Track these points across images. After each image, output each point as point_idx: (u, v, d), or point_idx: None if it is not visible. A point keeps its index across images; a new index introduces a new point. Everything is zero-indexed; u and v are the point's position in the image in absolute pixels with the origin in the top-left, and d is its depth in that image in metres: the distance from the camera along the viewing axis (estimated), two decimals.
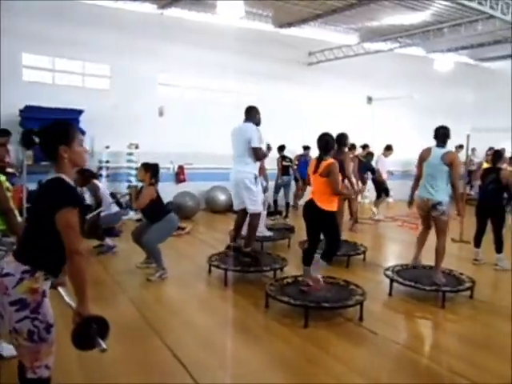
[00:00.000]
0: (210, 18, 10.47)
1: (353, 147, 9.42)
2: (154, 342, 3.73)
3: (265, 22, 11.33)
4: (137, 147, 9.65)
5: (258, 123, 5.47)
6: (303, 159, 10.69)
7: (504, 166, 6.78)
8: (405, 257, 6.32)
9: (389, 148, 10.64)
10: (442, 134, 5.06)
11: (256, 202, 5.44)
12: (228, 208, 9.49)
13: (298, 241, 6.62)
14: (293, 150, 11.00)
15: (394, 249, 8.01)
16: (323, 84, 12.31)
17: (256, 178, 5.40)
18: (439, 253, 5.07)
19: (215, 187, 10.28)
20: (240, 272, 5.41)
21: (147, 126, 9.75)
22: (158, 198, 5.47)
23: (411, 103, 13.34)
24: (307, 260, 4.66)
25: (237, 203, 5.63)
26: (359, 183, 8.87)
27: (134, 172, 9.27)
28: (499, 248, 6.29)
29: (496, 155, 6.59)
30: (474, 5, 7.94)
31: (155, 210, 5.42)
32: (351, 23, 11.27)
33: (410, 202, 5.40)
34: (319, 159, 4.47)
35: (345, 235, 6.71)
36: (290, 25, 11.40)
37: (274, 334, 4.03)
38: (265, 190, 7.15)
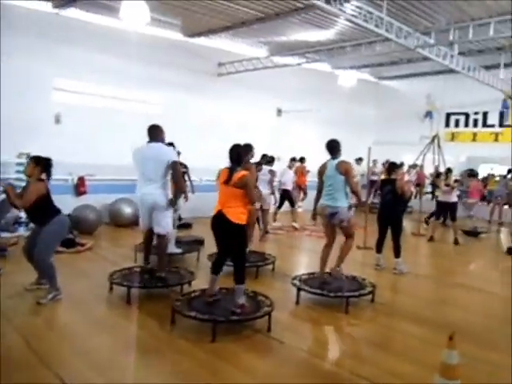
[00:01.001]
0: (115, 22, 10.02)
1: (272, 159, 9.64)
2: (42, 375, 3.31)
3: (173, 30, 11.15)
4: (28, 157, 8.75)
5: (162, 141, 5.27)
6: None
7: (399, 176, 7.24)
8: (313, 265, 6.48)
9: (294, 160, 10.97)
10: (333, 147, 5.36)
11: (167, 224, 5.23)
12: (134, 221, 9.04)
13: (207, 253, 6.46)
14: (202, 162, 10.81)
15: (302, 258, 8.19)
16: (233, 95, 12.40)
17: (167, 198, 5.15)
18: (343, 251, 5.39)
19: (120, 200, 9.69)
20: (145, 288, 5.13)
21: (41, 133, 8.85)
22: (47, 196, 4.81)
23: (318, 116, 13.97)
24: (215, 269, 4.55)
25: (145, 224, 5.29)
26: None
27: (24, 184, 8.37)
28: (397, 253, 6.71)
29: (391, 167, 7.04)
30: (371, 27, 8.47)
31: (42, 210, 4.77)
32: (261, 36, 11.53)
33: (314, 214, 5.60)
34: (231, 170, 4.36)
35: (255, 246, 6.69)
36: (199, 34, 11.35)
37: (178, 351, 3.84)
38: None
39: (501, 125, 15.15)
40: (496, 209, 12.92)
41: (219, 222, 4.34)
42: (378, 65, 14.77)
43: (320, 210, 5.41)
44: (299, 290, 5.11)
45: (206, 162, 9.51)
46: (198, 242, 7.51)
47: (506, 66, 12.74)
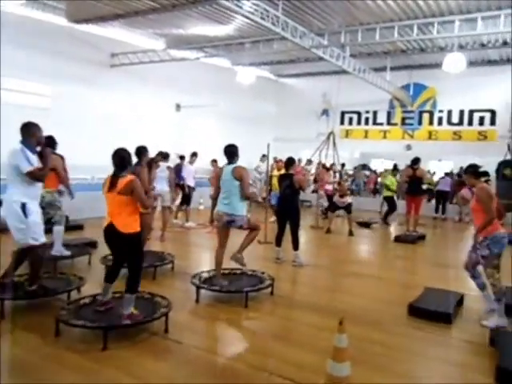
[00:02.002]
0: None
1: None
2: None
3: (56, 14, 10.25)
4: None
5: (38, 142, 4.55)
6: None
7: (297, 169, 7.48)
8: (213, 263, 6.40)
9: (194, 155, 10.84)
10: (230, 152, 5.28)
11: (28, 234, 4.41)
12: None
13: (100, 256, 6.04)
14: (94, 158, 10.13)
15: (203, 256, 8.06)
16: (129, 88, 11.88)
17: (24, 207, 4.38)
18: (248, 238, 5.32)
19: None
20: (23, 300, 4.58)
21: None
22: None
23: (218, 112, 13.95)
24: (109, 277, 4.25)
25: (15, 236, 4.50)
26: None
27: None
28: (296, 246, 6.91)
29: (288, 162, 7.22)
30: (268, 25, 8.63)
31: None
32: (157, 28, 11.18)
33: (212, 220, 5.46)
34: (115, 176, 4.01)
35: (153, 245, 6.43)
36: (87, 21, 10.60)
37: (64, 364, 3.49)
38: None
39: (388, 123, 16.52)
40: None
41: (110, 234, 4.01)
42: (276, 63, 15.19)
43: (217, 216, 5.28)
44: (198, 288, 5.00)
45: (99, 158, 8.73)
46: (90, 245, 6.99)
47: (392, 69, 13.89)
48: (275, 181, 9.78)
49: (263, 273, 5.60)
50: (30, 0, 8.27)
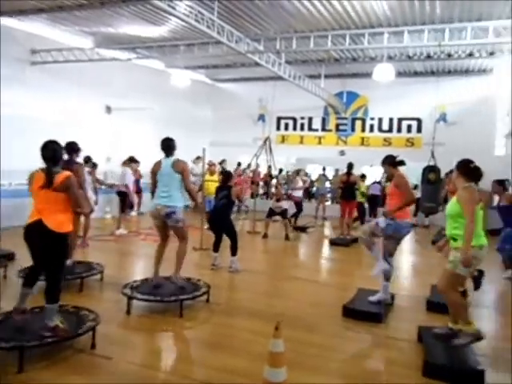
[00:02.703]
0: None
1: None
2: None
3: None
4: None
5: None
6: None
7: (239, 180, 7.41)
8: (148, 271, 6.15)
9: (132, 160, 10.45)
10: (168, 146, 5.16)
11: None
12: None
13: (17, 270, 5.47)
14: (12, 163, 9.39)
15: (137, 264, 7.74)
16: (53, 88, 11.16)
17: None
18: (179, 256, 5.18)
19: None
20: None
21: None
22: None
23: (153, 115, 13.59)
24: (29, 280, 3.85)
25: None
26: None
27: None
28: (234, 251, 6.83)
29: (226, 176, 7.22)
30: (203, 28, 8.52)
31: None
32: (84, 26, 10.62)
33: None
34: (49, 172, 3.68)
35: (79, 255, 6.04)
36: (4, 13, 9.80)
37: None
38: None
39: (323, 129, 16.98)
40: (320, 205, 14.31)
41: (36, 232, 3.65)
42: (212, 67, 15.11)
43: (155, 211, 5.09)
44: (130, 298, 4.74)
45: (19, 163, 8.00)
46: (6, 257, 6.35)
47: (326, 76, 14.30)
48: (209, 185, 9.68)
49: (199, 280, 5.45)
50: None
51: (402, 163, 5.26)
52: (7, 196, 7.56)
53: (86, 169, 8.35)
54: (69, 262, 5.65)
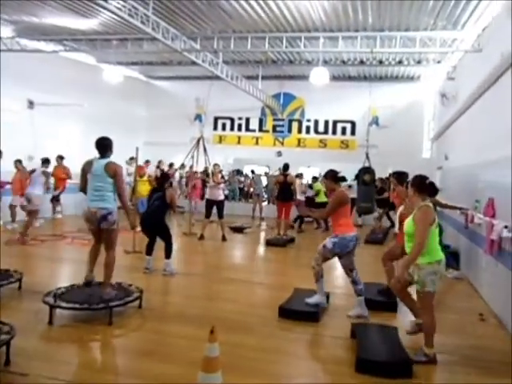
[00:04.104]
0: None
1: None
2: None
3: None
4: None
5: None
6: None
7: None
8: (74, 276, 5.78)
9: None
10: (103, 145, 4.87)
11: None
12: None
13: None
14: None
15: (61, 270, 7.25)
16: None
17: None
18: (109, 266, 4.85)
19: None
20: None
21: None
22: None
23: (82, 112, 12.92)
24: None
25: None
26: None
27: None
28: (168, 254, 6.62)
29: (162, 178, 7.06)
30: (137, 23, 8.21)
31: None
32: (3, 13, 9.76)
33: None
34: None
35: None
36: None
37: None
38: None
39: (260, 130, 17.08)
40: (257, 205, 14.36)
41: None
42: (147, 63, 14.66)
43: (89, 214, 4.76)
44: (52, 307, 4.39)
45: None
46: None
47: (264, 77, 14.39)
48: (140, 187, 9.35)
49: (130, 285, 5.20)
50: None
51: (343, 179, 5.33)
52: None
53: (42, 169, 8.14)
54: None
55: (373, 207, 11.31)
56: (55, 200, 11.70)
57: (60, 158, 11.05)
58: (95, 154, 4.92)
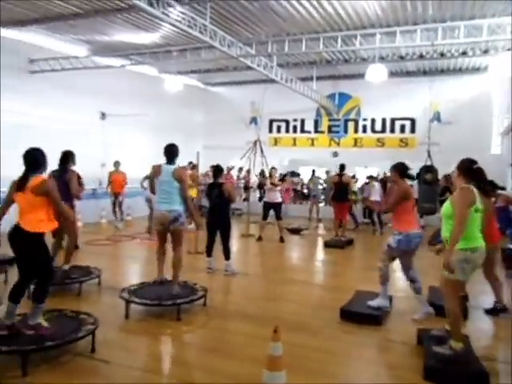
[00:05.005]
0: None
1: None
2: None
3: None
4: None
5: None
6: None
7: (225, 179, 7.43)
8: (145, 274, 6.19)
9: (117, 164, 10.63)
10: (171, 152, 5.22)
11: None
12: None
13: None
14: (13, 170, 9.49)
15: (134, 268, 7.78)
16: (50, 96, 11.27)
17: None
18: (177, 265, 5.19)
19: None
20: None
21: None
22: None
23: (146, 121, 13.63)
24: (14, 295, 3.82)
25: None
26: None
27: None
28: (227, 255, 6.87)
29: (216, 171, 7.21)
30: (196, 33, 8.58)
31: None
32: (80, 34, 10.72)
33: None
34: (24, 176, 3.78)
35: (77, 259, 6.07)
36: (3, 25, 9.91)
37: None
38: None
39: (316, 131, 17.07)
40: (314, 207, 14.31)
41: (14, 236, 3.74)
42: (205, 71, 15.17)
43: (161, 217, 5.11)
44: (128, 302, 4.78)
45: (18, 170, 8.27)
46: (6, 262, 6.42)
47: (318, 78, 14.39)
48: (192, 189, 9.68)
49: (195, 284, 5.48)
50: None
51: (411, 177, 5.18)
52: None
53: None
54: (66, 266, 5.72)
55: (435, 207, 10.89)
56: (118, 204, 12.09)
57: (117, 163, 11.43)
58: (160, 159, 5.27)
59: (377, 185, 12.24)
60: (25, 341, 3.63)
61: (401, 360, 3.97)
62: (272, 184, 10.14)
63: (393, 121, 15.95)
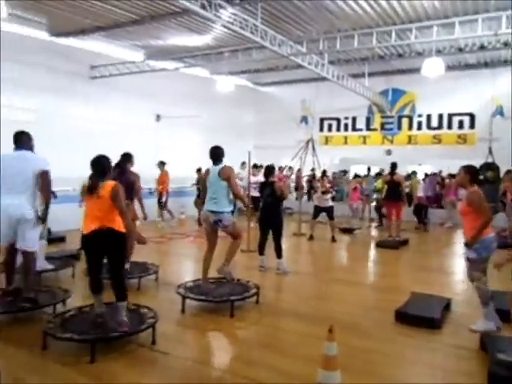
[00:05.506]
0: None
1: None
2: None
3: (38, 28, 10.27)
4: None
5: (31, 149, 4.80)
6: None
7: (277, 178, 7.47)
8: (198, 271, 6.35)
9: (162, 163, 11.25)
10: (216, 154, 5.35)
11: (35, 239, 4.70)
12: None
13: (83, 268, 5.93)
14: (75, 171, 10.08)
15: (186, 265, 8.03)
16: (109, 100, 11.91)
17: (36, 212, 4.65)
18: (232, 250, 5.33)
19: None
20: (7, 313, 4.55)
21: None
22: None
23: (199, 121, 13.97)
24: (97, 288, 4.14)
25: (6, 239, 4.66)
26: None
27: None
28: (279, 254, 6.92)
29: (267, 170, 7.26)
30: (247, 34, 8.68)
31: None
32: (136, 40, 11.19)
33: (199, 220, 5.55)
34: (94, 182, 4.01)
35: (134, 256, 6.36)
36: (67, 34, 10.61)
37: (53, 378, 3.46)
38: None
39: (368, 128, 16.72)
40: (366, 206, 14.05)
41: (100, 238, 3.95)
42: (255, 71, 15.27)
43: (204, 217, 5.35)
44: (184, 298, 4.97)
45: (80, 170, 8.74)
46: (73, 257, 6.90)
47: (370, 74, 14.10)
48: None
49: (248, 281, 5.58)
50: (12, 15, 8.24)
51: (480, 182, 4.78)
52: (70, 201, 8.05)
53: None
54: (126, 263, 6.00)
55: (497, 207, 10.34)
56: (163, 204, 12.10)
57: (162, 163, 11.65)
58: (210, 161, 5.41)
59: (422, 182, 12.15)
60: (94, 330, 3.89)
61: (461, 365, 3.82)
62: (323, 193, 10.07)
63: (450, 116, 15.28)
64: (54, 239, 8.32)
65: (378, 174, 13.27)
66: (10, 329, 4.36)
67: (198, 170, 11.79)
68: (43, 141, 5.17)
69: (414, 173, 12.68)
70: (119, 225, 3.99)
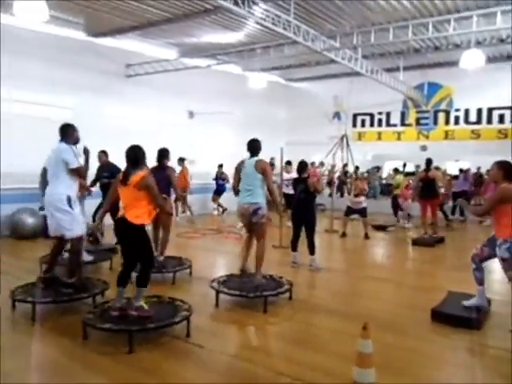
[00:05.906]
0: (9, 19, 9.23)
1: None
2: None
3: (76, 29, 10.62)
4: None
5: (75, 142, 5.00)
6: None
7: (310, 173, 7.43)
8: (230, 267, 6.44)
9: (182, 160, 11.41)
10: (253, 146, 5.40)
11: (73, 225, 4.87)
12: (39, 233, 8.52)
13: (121, 261, 6.12)
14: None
15: (220, 260, 8.12)
16: (143, 98, 12.12)
17: (70, 199, 4.83)
18: (259, 256, 5.34)
19: (21, 210, 8.97)
20: (52, 303, 4.74)
21: None
22: None
23: (230, 118, 14.07)
24: (121, 280, 4.26)
25: (52, 229, 4.96)
26: None
27: None
28: (312, 250, 6.88)
29: (300, 166, 7.22)
30: (280, 30, 8.66)
31: None
32: (170, 38, 11.38)
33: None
34: (125, 171, 4.16)
35: (169, 251, 6.49)
36: (104, 34, 10.92)
37: (93, 366, 3.60)
38: None
39: (402, 124, 16.37)
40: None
41: (120, 227, 4.16)
42: (287, 67, 15.22)
43: (241, 209, 5.34)
44: (218, 292, 5.03)
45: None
46: (111, 250, 7.11)
47: (405, 68, 13.79)
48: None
49: (281, 277, 5.58)
50: (52, 17, 8.55)
51: None
52: None
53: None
54: (161, 257, 6.14)
55: None
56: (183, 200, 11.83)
57: (181, 160, 11.68)
58: (244, 155, 5.46)
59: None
60: (131, 322, 4.01)
61: (500, 368, 3.68)
62: (356, 195, 9.93)
63: (490, 110, 14.76)
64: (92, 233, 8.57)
65: (396, 170, 12.99)
66: (52, 318, 4.54)
67: (220, 166, 11.89)
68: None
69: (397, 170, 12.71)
70: (136, 215, 4.07)
